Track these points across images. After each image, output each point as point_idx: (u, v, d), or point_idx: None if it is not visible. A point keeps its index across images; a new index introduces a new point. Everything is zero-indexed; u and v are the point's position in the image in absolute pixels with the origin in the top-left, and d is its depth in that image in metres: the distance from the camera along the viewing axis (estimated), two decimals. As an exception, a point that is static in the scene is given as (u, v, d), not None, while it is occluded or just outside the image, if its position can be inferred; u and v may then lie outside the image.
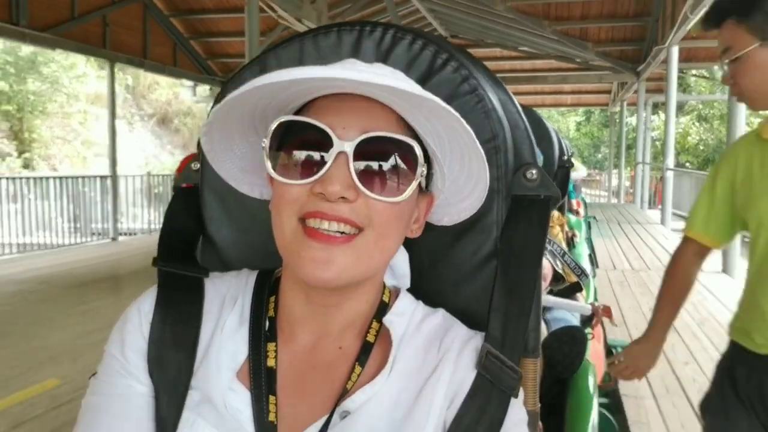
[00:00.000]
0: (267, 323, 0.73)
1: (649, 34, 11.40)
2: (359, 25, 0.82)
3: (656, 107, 16.13)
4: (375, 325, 0.74)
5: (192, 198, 0.87)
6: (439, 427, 0.69)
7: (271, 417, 0.69)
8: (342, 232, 0.65)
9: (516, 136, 0.83)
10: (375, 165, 0.65)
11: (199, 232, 0.86)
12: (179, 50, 12.25)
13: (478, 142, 0.65)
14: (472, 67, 0.81)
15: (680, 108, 11.95)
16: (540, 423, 0.88)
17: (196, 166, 0.87)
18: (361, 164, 0.64)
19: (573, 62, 13.16)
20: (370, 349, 0.73)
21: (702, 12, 7.68)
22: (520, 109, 0.85)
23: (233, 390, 0.70)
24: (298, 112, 0.69)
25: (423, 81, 0.79)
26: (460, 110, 0.73)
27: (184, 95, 20.26)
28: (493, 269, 0.80)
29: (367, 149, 0.64)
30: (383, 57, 0.81)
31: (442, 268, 0.84)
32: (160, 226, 0.85)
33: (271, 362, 0.71)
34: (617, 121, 17.77)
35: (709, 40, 8.65)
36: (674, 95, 9.48)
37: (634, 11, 11.55)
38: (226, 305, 0.75)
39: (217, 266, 0.85)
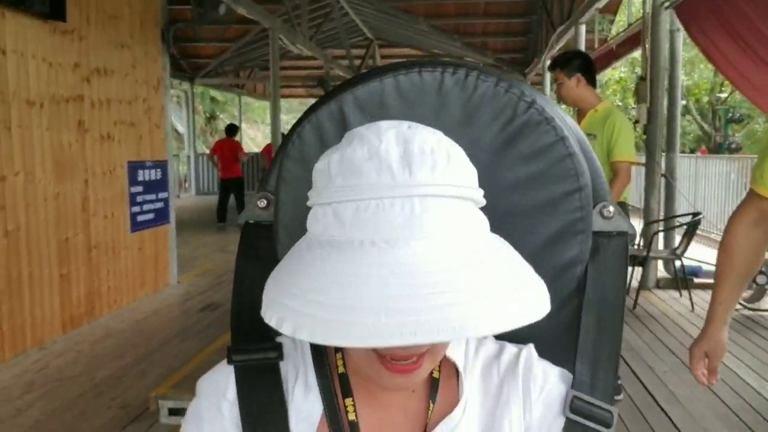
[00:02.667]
0: (338, 379, 0.73)
1: (532, 47, 15.37)
2: (441, 66, 0.80)
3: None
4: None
5: (261, 236, 0.83)
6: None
7: None
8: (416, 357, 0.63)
9: (592, 174, 0.82)
10: None
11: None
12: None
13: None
14: (550, 108, 0.80)
15: (559, 101, 16.20)
16: None
17: (262, 203, 0.84)
18: None
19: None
20: (437, 384, 0.73)
21: (562, 42, 11.65)
22: (590, 146, 0.85)
23: None
24: None
25: (507, 124, 0.79)
26: (547, 156, 0.78)
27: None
28: (573, 309, 0.80)
29: None
30: (468, 98, 0.79)
31: None
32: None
33: (351, 416, 0.71)
34: (510, 108, 22.14)
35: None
36: (548, 92, 13.48)
37: (522, 30, 15.52)
38: (289, 374, 0.74)
39: None
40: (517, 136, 0.79)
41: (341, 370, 0.73)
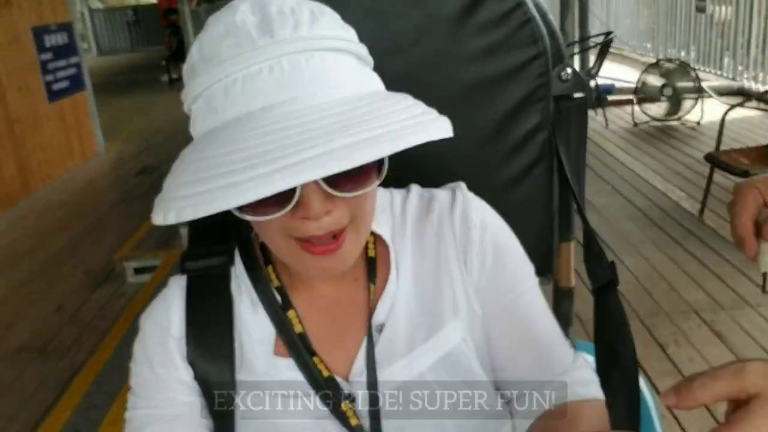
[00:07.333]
0: (278, 296, 0.70)
1: None
2: None
3: None
4: (370, 238, 0.71)
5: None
6: (470, 287, 0.71)
7: (325, 373, 0.68)
8: (335, 236, 0.61)
9: (549, 37, 0.82)
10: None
11: None
12: None
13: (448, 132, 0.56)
14: None
15: None
16: None
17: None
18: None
19: None
20: (375, 263, 0.71)
21: None
22: (546, 8, 0.85)
23: (277, 366, 0.68)
24: None
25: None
26: (506, 23, 0.79)
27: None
28: (539, 174, 0.84)
29: None
30: None
31: (491, 179, 0.85)
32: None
33: (298, 328, 0.69)
34: None
35: None
36: None
37: None
38: (235, 295, 0.71)
39: None
40: (474, 5, 0.79)
41: (276, 283, 0.72)
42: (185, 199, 0.52)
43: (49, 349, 2.99)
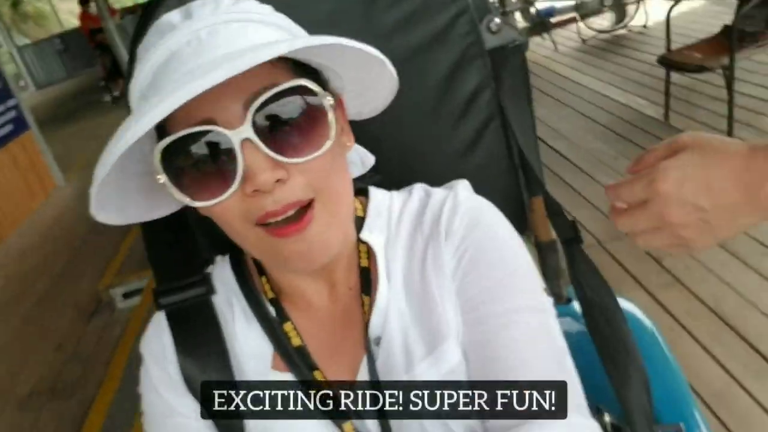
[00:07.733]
0: (272, 309, 0.69)
1: None
2: None
3: None
4: (362, 247, 0.69)
5: None
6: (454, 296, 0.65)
7: (326, 388, 0.65)
8: (302, 209, 0.58)
9: None
10: (283, 128, 0.56)
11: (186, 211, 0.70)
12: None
13: (369, 48, 0.56)
14: None
15: None
16: None
17: None
18: (269, 138, 0.55)
19: None
20: (368, 273, 0.68)
21: None
22: None
23: (275, 381, 0.66)
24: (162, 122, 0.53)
25: None
26: None
27: None
28: (493, 131, 0.81)
29: (264, 117, 0.55)
30: None
31: (444, 150, 0.83)
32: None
33: (296, 341, 0.67)
34: None
35: None
36: None
37: None
38: (225, 310, 0.70)
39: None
40: None
41: (270, 295, 0.70)
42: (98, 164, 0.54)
43: (58, 388, 2.97)
